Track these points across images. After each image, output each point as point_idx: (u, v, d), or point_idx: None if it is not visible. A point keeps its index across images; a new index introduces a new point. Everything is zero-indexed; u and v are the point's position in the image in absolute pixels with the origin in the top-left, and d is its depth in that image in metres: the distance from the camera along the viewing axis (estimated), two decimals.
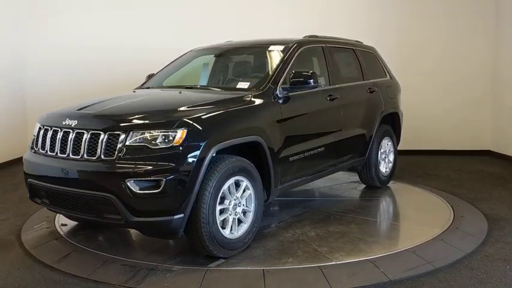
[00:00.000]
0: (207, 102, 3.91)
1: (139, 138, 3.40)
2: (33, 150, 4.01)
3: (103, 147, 3.45)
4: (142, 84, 5.20)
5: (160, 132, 3.40)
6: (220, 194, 3.60)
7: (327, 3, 8.03)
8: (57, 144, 3.72)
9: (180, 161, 3.35)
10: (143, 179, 3.32)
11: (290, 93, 4.31)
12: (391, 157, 6.02)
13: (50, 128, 3.84)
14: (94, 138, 3.51)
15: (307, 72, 4.25)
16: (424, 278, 3.41)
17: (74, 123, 3.67)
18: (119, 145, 3.40)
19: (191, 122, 3.48)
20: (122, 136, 3.41)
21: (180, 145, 3.36)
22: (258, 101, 4.07)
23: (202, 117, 3.59)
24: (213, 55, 5.35)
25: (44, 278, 3.50)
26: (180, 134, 3.38)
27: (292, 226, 4.47)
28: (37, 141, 3.96)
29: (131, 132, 3.41)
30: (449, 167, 7.18)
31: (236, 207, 3.78)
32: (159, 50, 7.62)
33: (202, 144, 3.44)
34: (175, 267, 3.57)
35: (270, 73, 4.42)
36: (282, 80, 4.31)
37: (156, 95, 4.64)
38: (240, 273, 3.50)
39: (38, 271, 3.61)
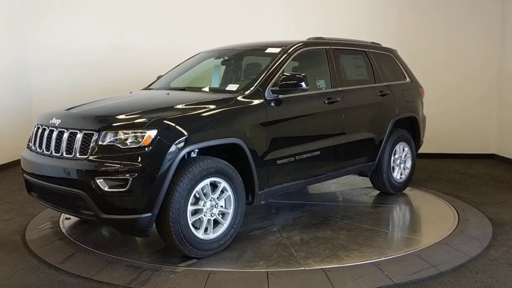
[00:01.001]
0: (186, 104, 3.96)
1: (111, 138, 3.50)
2: (28, 148, 4.19)
3: (78, 145, 3.60)
4: (150, 85, 5.22)
5: (131, 132, 3.49)
6: (192, 194, 3.64)
7: (336, 4, 8.04)
8: (43, 142, 3.91)
9: (148, 161, 3.42)
10: (111, 177, 3.41)
11: (281, 96, 4.27)
12: (408, 163, 5.78)
13: (40, 127, 4.03)
14: (72, 137, 3.67)
15: (298, 75, 4.22)
16: (429, 282, 3.40)
17: (58, 122, 3.84)
18: (92, 144, 3.53)
19: (161, 123, 3.54)
20: (95, 136, 3.53)
21: (149, 145, 3.44)
22: (241, 103, 4.07)
23: (173, 118, 3.64)
24: (217, 57, 5.35)
25: (49, 278, 3.51)
26: (149, 135, 3.46)
27: (281, 230, 4.43)
28: (32, 139, 4.16)
29: (104, 132, 3.52)
30: (454, 171, 7.17)
31: (212, 208, 3.79)
32: (165, 52, 7.68)
33: (172, 145, 3.50)
34: (179, 268, 3.58)
35: (261, 75, 4.38)
36: (272, 82, 4.28)
37: (145, 96, 4.70)
38: (244, 275, 3.50)
39: (42, 271, 3.63)
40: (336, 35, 5.56)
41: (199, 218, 3.73)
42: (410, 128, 5.88)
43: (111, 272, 3.55)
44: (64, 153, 3.69)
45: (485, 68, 7.95)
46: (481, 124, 8.08)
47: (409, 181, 5.84)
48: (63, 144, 3.70)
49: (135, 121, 3.58)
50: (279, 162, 4.25)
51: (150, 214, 3.46)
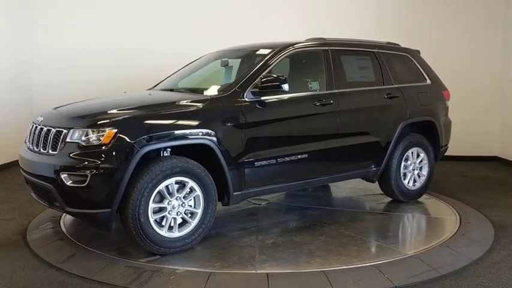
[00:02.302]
0: (157, 105, 4.11)
1: (77, 136, 3.68)
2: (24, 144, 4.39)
3: (51, 142, 3.82)
4: (155, 86, 5.25)
5: (93, 131, 3.65)
6: (155, 192, 3.71)
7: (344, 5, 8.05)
8: (31, 138, 4.15)
9: (106, 159, 3.56)
10: (73, 173, 3.61)
11: (264, 98, 4.27)
12: (425, 170, 5.47)
13: (32, 124, 4.25)
14: (47, 134, 3.89)
15: (278, 77, 4.20)
16: (430, 285, 3.39)
17: (41, 119, 4.10)
18: (61, 141, 3.73)
19: (120, 123, 3.67)
20: (64, 133, 3.73)
21: (108, 144, 3.58)
22: (215, 105, 4.09)
23: (134, 118, 3.77)
24: (226, 57, 5.33)
25: (49, 278, 3.51)
26: (108, 134, 3.59)
27: (261, 232, 4.41)
28: (26, 136, 4.37)
29: (71, 130, 3.71)
30: (456, 173, 7.15)
31: (179, 207, 3.84)
32: (170, 54, 7.66)
33: (130, 144, 3.61)
34: (180, 269, 3.57)
35: (242, 77, 4.38)
36: (253, 84, 4.26)
37: (126, 96, 4.78)
38: (244, 276, 3.50)
39: (43, 271, 3.63)
40: (349, 35, 5.47)
41: (163, 216, 3.80)
42: (429, 133, 5.56)
43: (112, 273, 3.55)
44: (41, 149, 3.92)
45: (488, 70, 7.93)
46: (483, 126, 8.05)
47: (425, 189, 5.53)
48: (41, 141, 3.93)
49: (98, 120, 3.73)
50: (257, 164, 4.22)
51: (109, 210, 3.61)
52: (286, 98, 4.44)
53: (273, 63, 4.51)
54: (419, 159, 5.44)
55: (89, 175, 3.54)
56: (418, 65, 5.71)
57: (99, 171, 3.55)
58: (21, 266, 3.73)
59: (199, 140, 3.92)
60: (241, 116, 4.12)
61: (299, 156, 4.47)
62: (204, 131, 3.93)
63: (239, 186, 4.14)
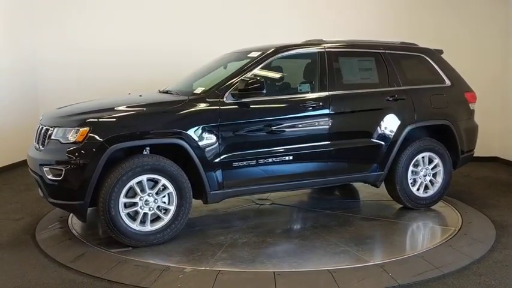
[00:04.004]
0: (138, 105, 4.36)
1: (58, 134, 4.04)
2: None
3: (42, 139, 4.20)
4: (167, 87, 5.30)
5: (70, 130, 3.98)
6: (126, 188, 3.95)
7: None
8: (34, 136, 4.46)
9: (79, 155, 3.88)
10: (52, 167, 3.97)
11: (245, 100, 4.35)
12: (439, 177, 5.18)
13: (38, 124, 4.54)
14: (41, 131, 4.27)
15: (256, 80, 4.27)
16: (432, 283, 3.47)
17: (41, 118, 4.48)
18: (47, 138, 4.10)
19: (93, 123, 3.96)
20: (50, 131, 4.10)
21: (81, 142, 3.89)
22: (191, 106, 4.23)
23: (106, 118, 4.04)
24: (235, 60, 5.33)
25: (60, 277, 3.58)
26: (82, 132, 3.90)
27: (240, 231, 4.48)
28: None
29: (55, 128, 4.07)
30: (457, 173, 7.16)
31: (150, 203, 4.03)
32: (176, 54, 7.75)
33: (101, 142, 3.89)
34: (188, 268, 3.65)
35: (224, 79, 4.46)
36: (235, 86, 4.34)
37: (118, 98, 4.94)
38: (251, 275, 3.57)
39: (54, 270, 3.71)
40: (360, 35, 5.47)
41: (135, 210, 4.03)
42: (446, 138, 5.28)
43: (121, 271, 3.62)
44: (37, 145, 4.31)
45: (488, 71, 7.98)
46: (484, 127, 8.02)
47: (439, 198, 5.23)
48: (40, 138, 4.27)
49: (76, 120, 4.05)
50: (235, 165, 4.32)
51: (82, 202, 3.92)
52: (269, 100, 4.54)
53: (257, 66, 4.56)
54: (432, 165, 5.19)
55: (64, 170, 3.89)
56: (435, 65, 5.43)
57: (72, 166, 3.88)
58: (32, 265, 3.81)
59: (170, 140, 4.10)
60: (217, 118, 4.24)
61: (283, 158, 4.51)
62: (176, 131, 4.11)
63: (217, 185, 4.28)
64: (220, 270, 3.60)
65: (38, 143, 4.30)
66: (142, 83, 7.27)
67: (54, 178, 3.97)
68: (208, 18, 8.08)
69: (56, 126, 4.09)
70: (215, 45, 7.52)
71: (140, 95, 4.84)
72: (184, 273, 3.58)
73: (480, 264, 3.82)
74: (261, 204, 5.37)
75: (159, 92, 5.17)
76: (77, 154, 3.88)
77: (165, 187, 4.09)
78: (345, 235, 4.40)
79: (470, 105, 5.55)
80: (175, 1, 8.13)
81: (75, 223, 4.74)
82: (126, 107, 4.30)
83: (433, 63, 5.42)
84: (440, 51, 5.71)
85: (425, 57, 5.43)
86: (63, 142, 3.97)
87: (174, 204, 4.13)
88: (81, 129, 3.91)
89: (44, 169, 4.00)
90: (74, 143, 3.90)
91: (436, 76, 5.40)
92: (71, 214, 4.87)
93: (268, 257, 3.88)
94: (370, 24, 7.96)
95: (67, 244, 4.22)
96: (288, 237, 4.38)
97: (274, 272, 3.57)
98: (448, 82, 5.41)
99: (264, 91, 4.31)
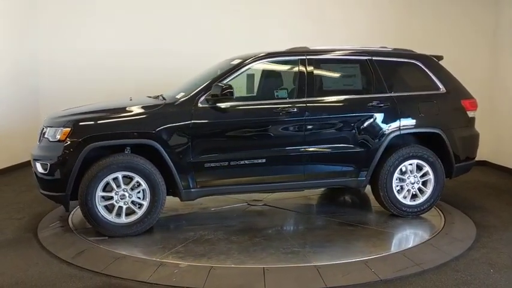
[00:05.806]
0: (119, 108, 4.73)
1: (49, 133, 4.54)
2: None
3: (39, 137, 4.70)
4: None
5: (57, 129, 4.47)
6: (102, 183, 4.39)
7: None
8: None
9: (61, 152, 4.37)
10: (41, 162, 4.48)
11: (219, 105, 4.63)
12: (429, 186, 5.07)
13: None
14: (41, 131, 4.72)
15: (226, 86, 4.54)
16: (412, 279, 3.69)
17: (44, 119, 4.89)
18: (42, 136, 4.63)
19: (73, 123, 4.43)
20: (44, 130, 4.62)
21: (64, 140, 4.39)
22: (165, 110, 4.60)
23: (85, 120, 4.50)
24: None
25: (61, 271, 3.80)
26: (64, 132, 4.40)
27: (211, 229, 4.71)
28: None
29: (48, 128, 4.58)
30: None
31: (125, 197, 4.44)
32: (178, 56, 7.89)
33: (79, 141, 4.37)
34: (182, 264, 3.86)
35: (201, 85, 4.72)
36: (208, 92, 4.60)
37: (113, 101, 5.30)
38: (242, 270, 3.79)
39: (55, 265, 3.92)
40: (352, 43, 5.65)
41: (112, 204, 4.45)
42: (439, 146, 5.19)
43: (119, 267, 3.84)
44: (37, 143, 4.76)
45: (478, 75, 8.11)
46: None
47: (429, 207, 5.12)
48: (39, 136, 4.73)
49: (62, 121, 4.51)
50: (207, 165, 4.62)
51: (64, 193, 4.41)
52: (243, 105, 4.86)
53: (234, 73, 4.79)
54: (421, 173, 5.10)
55: (49, 164, 4.41)
56: (429, 72, 5.32)
57: (55, 161, 4.37)
58: (35, 261, 4.02)
59: (141, 141, 4.48)
60: (189, 121, 4.55)
61: (255, 160, 4.72)
62: (148, 132, 4.47)
63: (191, 184, 4.61)
64: (212, 266, 3.82)
65: (38, 141, 4.76)
66: (143, 84, 7.43)
67: (43, 171, 4.47)
68: (209, 21, 8.20)
69: (49, 126, 4.59)
70: (215, 46, 7.72)
71: (130, 99, 5.14)
72: (180, 268, 3.80)
73: (458, 261, 4.04)
74: (252, 205, 5.57)
75: (147, 97, 5.29)
76: (59, 151, 4.37)
77: (139, 184, 4.46)
78: (310, 237, 4.55)
79: (468, 112, 5.39)
80: (175, 4, 8.23)
81: (75, 222, 4.95)
82: (108, 110, 4.73)
83: (426, 70, 5.33)
84: (440, 57, 5.64)
85: (417, 63, 5.33)
86: (52, 140, 4.48)
87: (147, 200, 4.50)
88: (64, 129, 4.41)
89: (36, 163, 4.51)
90: (59, 141, 4.41)
91: (428, 83, 5.30)
92: (71, 214, 5.11)
93: (226, 255, 4.05)
94: (371, 31, 8.13)
95: (68, 241, 4.43)
96: (252, 237, 4.49)
97: (263, 268, 3.79)
98: (442, 89, 5.29)
99: (234, 97, 4.60)
